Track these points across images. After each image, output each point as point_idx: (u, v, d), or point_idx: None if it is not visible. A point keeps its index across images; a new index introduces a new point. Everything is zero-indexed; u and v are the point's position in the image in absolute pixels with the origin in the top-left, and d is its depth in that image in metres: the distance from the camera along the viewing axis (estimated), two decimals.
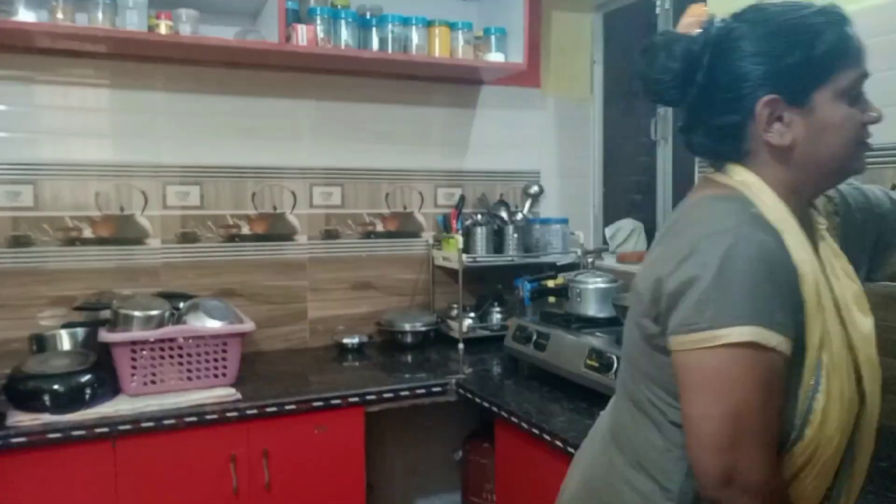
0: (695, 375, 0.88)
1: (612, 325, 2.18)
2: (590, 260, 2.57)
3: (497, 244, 2.74)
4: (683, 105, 1.02)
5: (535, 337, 2.20)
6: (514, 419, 1.88)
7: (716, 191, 0.99)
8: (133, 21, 2.13)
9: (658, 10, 2.81)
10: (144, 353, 1.97)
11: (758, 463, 0.86)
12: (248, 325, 2.13)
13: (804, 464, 0.91)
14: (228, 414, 1.92)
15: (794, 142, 0.95)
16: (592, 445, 1.16)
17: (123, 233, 2.39)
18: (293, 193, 2.62)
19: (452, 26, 2.58)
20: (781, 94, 0.94)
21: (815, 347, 0.90)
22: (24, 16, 2.05)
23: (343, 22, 2.40)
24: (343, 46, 2.40)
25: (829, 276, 0.98)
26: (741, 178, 0.98)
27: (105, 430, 1.79)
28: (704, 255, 0.87)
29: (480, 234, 2.70)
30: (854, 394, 0.93)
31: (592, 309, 2.26)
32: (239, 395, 1.99)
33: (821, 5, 0.97)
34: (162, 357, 1.99)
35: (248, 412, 1.94)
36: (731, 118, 0.97)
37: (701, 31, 0.98)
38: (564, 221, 2.90)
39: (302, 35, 2.30)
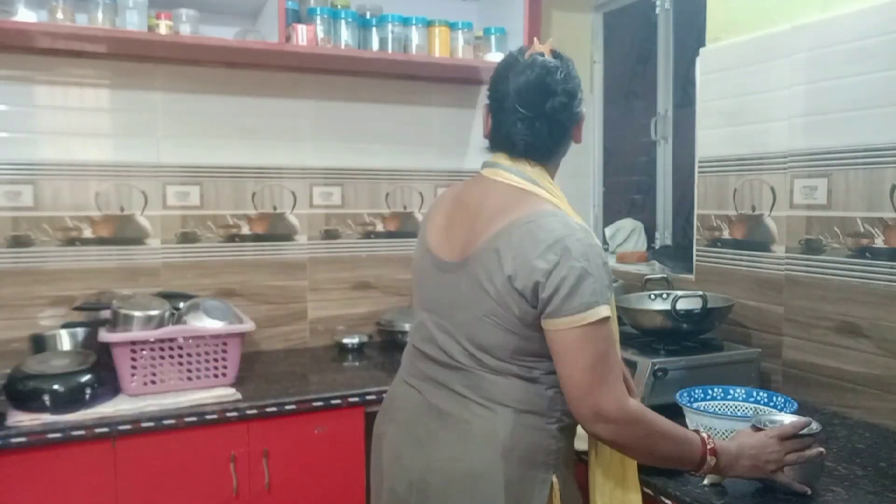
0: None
1: None
2: None
3: None
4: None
5: None
6: None
7: (541, 205, 1.30)
8: (133, 21, 2.13)
9: (658, 10, 2.81)
10: (144, 353, 1.97)
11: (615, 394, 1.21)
12: (248, 325, 2.13)
13: None
14: (228, 414, 1.92)
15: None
16: (461, 415, 1.32)
17: (123, 233, 2.39)
18: (293, 193, 2.62)
19: (452, 26, 2.58)
20: None
21: None
22: (24, 16, 2.05)
23: (343, 22, 2.40)
24: (343, 46, 2.40)
25: None
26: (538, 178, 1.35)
27: (105, 430, 1.79)
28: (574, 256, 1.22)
29: None
30: None
31: None
32: (239, 395, 1.99)
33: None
34: (162, 357, 1.99)
35: (248, 412, 1.94)
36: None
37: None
38: None
39: (302, 35, 2.30)
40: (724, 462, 1.28)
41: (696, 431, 1.30)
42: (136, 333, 1.95)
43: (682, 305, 1.87)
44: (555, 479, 1.29)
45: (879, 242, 1.75)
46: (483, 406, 1.30)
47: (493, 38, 2.63)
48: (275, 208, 2.59)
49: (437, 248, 1.41)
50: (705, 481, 1.38)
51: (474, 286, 1.29)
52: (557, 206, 1.30)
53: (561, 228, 1.23)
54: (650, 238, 2.90)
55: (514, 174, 1.34)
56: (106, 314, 2.07)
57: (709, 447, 1.26)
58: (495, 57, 2.62)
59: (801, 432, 1.32)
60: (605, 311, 1.20)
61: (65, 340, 2.12)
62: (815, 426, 1.34)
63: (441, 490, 1.30)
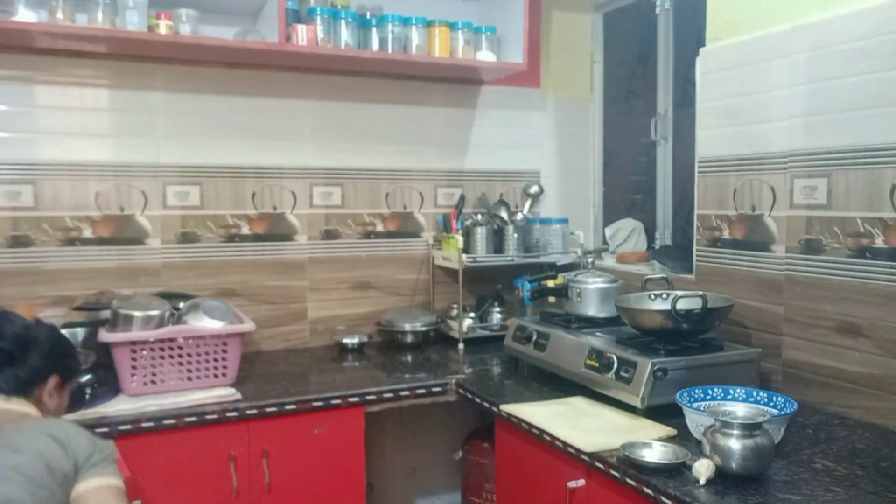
0: None
1: (611, 324, 2.18)
2: (590, 260, 2.57)
3: (497, 244, 2.74)
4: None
5: (535, 337, 2.20)
6: (514, 419, 1.88)
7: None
8: (133, 21, 2.13)
9: (658, 10, 2.81)
10: (144, 353, 1.97)
11: None
12: (248, 325, 2.13)
13: None
14: (228, 414, 1.92)
15: None
16: None
17: (123, 233, 2.39)
18: (293, 193, 2.62)
19: (452, 26, 2.58)
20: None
21: None
22: (24, 16, 2.05)
23: (343, 22, 2.40)
24: (343, 46, 2.40)
25: None
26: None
27: (105, 430, 1.79)
28: None
29: (480, 234, 2.70)
30: None
31: (592, 309, 2.25)
32: (239, 395, 1.99)
33: None
34: (162, 357, 1.99)
35: (248, 412, 1.94)
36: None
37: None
38: (564, 221, 2.90)
39: (302, 35, 2.30)
40: None
41: None
42: (136, 333, 1.95)
43: (682, 305, 1.87)
44: None
45: (879, 242, 1.75)
46: None
47: (483, 37, 2.63)
48: (275, 208, 2.59)
49: None
50: (702, 480, 1.38)
51: None
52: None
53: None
54: (650, 238, 2.90)
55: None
56: (106, 314, 2.07)
57: None
58: (485, 55, 2.62)
59: None
60: None
61: None
62: None
63: None
